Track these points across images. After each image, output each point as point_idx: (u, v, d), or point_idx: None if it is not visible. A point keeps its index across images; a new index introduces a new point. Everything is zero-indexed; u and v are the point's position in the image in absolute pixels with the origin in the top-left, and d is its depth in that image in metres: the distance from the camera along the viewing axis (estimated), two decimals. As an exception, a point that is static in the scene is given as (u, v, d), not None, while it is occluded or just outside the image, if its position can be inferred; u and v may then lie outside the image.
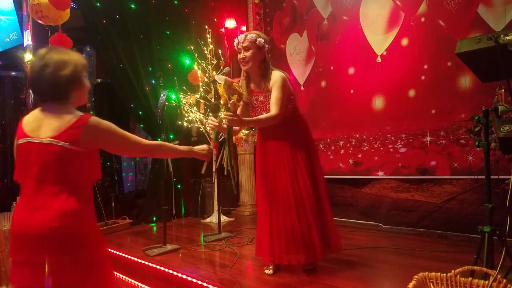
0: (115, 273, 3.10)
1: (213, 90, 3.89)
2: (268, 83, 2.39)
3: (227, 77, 2.22)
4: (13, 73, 5.20)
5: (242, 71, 2.50)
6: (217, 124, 2.32)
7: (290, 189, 2.31)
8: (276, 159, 2.39)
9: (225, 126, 2.32)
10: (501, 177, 2.63)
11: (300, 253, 2.26)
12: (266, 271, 2.39)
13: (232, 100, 2.21)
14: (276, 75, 2.37)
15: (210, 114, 2.46)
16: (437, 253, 2.71)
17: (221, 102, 2.50)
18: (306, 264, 2.35)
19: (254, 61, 2.38)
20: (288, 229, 2.28)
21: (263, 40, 2.38)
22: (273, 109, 2.29)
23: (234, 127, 2.36)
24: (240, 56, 2.40)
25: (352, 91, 4.06)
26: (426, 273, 1.67)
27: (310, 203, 2.31)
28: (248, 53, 2.35)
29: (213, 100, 4.19)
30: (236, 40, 2.42)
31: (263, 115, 2.35)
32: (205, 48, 4.57)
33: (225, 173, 2.37)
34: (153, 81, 4.67)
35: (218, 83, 2.23)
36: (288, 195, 2.31)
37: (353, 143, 4.05)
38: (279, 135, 2.40)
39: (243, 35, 2.40)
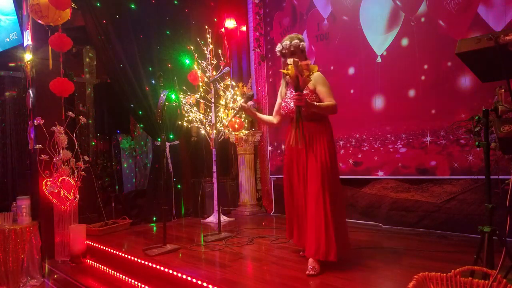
0: (115, 273, 3.10)
1: (213, 90, 3.89)
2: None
3: (295, 58, 2.34)
4: (13, 73, 5.21)
5: (283, 74, 2.63)
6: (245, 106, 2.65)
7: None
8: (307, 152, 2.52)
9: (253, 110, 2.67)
10: (501, 177, 2.63)
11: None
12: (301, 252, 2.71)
13: (305, 76, 2.33)
14: (317, 74, 2.52)
15: (242, 100, 2.72)
16: (437, 253, 2.71)
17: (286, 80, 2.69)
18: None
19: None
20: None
21: (304, 44, 2.60)
22: (332, 100, 2.47)
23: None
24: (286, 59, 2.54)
25: (352, 91, 4.06)
26: (426, 273, 1.67)
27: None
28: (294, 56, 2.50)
29: (212, 99, 4.21)
30: (279, 46, 2.60)
31: (326, 103, 2.47)
32: (205, 48, 4.57)
33: (300, 146, 2.39)
34: (153, 81, 4.67)
35: (289, 64, 2.35)
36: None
37: (353, 143, 4.06)
38: (309, 130, 2.50)
39: (288, 41, 2.55)
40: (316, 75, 2.51)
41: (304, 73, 2.33)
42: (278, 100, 2.77)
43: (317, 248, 2.31)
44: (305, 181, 2.49)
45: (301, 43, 2.56)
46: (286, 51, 2.56)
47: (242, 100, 2.73)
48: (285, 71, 2.41)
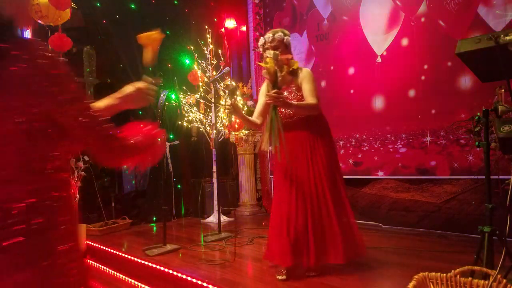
0: (115, 273, 3.10)
1: (213, 90, 3.89)
2: (296, 79, 2.40)
3: (275, 51, 2.19)
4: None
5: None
6: (231, 107, 2.33)
7: (307, 185, 2.31)
8: (298, 152, 2.36)
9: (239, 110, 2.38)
10: (501, 177, 2.63)
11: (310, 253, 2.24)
12: (279, 277, 2.25)
13: (284, 72, 2.16)
14: (305, 71, 2.41)
15: (227, 97, 2.52)
16: (437, 253, 2.71)
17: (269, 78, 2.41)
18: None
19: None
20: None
21: (289, 38, 2.44)
22: (313, 100, 2.31)
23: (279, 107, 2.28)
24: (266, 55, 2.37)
25: (352, 91, 4.06)
26: (426, 273, 1.67)
27: (325, 201, 2.29)
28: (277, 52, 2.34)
29: (212, 99, 4.21)
30: (262, 40, 2.44)
31: (306, 102, 2.30)
32: (205, 48, 4.57)
33: (273, 151, 2.23)
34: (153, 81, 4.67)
35: (268, 57, 2.19)
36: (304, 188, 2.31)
37: (353, 143, 4.05)
38: (301, 128, 2.38)
39: (270, 34, 2.40)
40: (305, 71, 2.39)
41: (283, 68, 2.14)
42: (261, 100, 2.55)
43: (352, 250, 2.29)
44: (307, 186, 2.33)
45: (285, 37, 2.40)
46: (269, 45, 2.38)
47: (230, 98, 2.55)
48: (263, 65, 2.20)
